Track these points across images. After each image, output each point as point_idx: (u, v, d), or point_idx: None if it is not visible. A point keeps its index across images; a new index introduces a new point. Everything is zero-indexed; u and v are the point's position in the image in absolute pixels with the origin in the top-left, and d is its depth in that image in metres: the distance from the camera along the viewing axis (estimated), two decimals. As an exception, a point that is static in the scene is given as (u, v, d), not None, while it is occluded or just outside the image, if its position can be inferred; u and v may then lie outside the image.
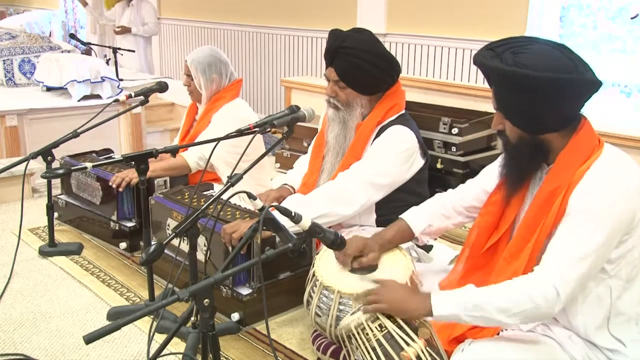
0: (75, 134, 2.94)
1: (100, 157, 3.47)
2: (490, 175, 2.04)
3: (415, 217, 2.17)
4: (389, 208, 2.53)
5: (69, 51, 5.86)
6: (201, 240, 2.50)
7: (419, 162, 2.57)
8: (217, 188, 3.09)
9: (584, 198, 1.66)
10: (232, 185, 2.00)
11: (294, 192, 2.79)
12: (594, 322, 1.74)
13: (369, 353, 1.82)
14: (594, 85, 1.66)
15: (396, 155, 2.49)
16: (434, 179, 3.08)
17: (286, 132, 2.26)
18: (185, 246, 2.33)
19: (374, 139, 2.55)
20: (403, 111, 2.61)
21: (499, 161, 2.01)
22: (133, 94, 3.06)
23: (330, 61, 2.54)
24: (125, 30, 6.91)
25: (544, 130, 1.73)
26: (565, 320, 1.79)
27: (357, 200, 2.45)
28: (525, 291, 1.65)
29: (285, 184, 2.83)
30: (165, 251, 2.01)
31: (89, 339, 1.35)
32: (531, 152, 1.76)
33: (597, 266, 1.67)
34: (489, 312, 1.67)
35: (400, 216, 2.20)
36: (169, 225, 2.77)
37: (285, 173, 3.01)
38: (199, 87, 3.25)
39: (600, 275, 1.70)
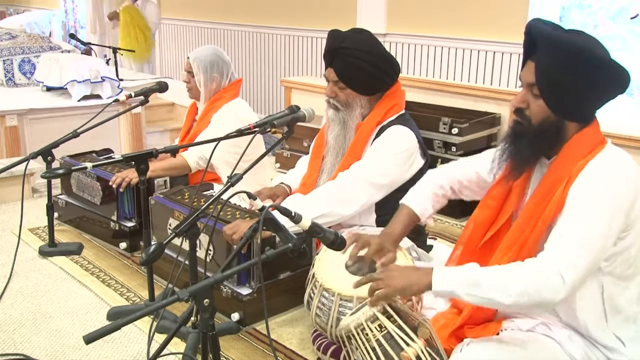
0: (75, 134, 2.94)
1: (100, 157, 3.47)
2: (487, 160, 2.02)
3: (419, 203, 2.16)
4: (389, 208, 2.52)
5: (69, 51, 5.86)
6: (204, 240, 2.51)
7: (419, 162, 2.57)
8: (217, 188, 3.09)
9: (585, 188, 1.66)
10: (232, 185, 2.00)
11: (290, 191, 2.80)
12: (591, 318, 1.74)
13: (368, 353, 1.82)
14: (629, 82, 1.69)
15: (396, 155, 2.49)
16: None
17: (286, 132, 2.27)
18: (186, 245, 2.33)
19: (374, 139, 2.55)
20: (403, 111, 2.61)
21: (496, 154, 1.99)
22: (133, 94, 3.06)
23: (330, 62, 2.54)
24: (115, 15, 6.99)
25: (573, 116, 1.72)
26: (567, 315, 1.78)
27: (357, 200, 2.45)
28: (529, 275, 1.63)
29: (282, 183, 2.84)
30: (166, 251, 2.01)
31: (89, 339, 1.35)
32: (552, 137, 1.74)
33: (600, 256, 1.65)
34: (487, 289, 1.64)
35: (402, 202, 2.19)
36: (170, 225, 2.77)
37: (285, 173, 3.01)
38: (198, 84, 3.25)
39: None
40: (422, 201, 2.16)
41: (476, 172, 2.08)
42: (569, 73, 1.66)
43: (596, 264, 1.67)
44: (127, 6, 7.00)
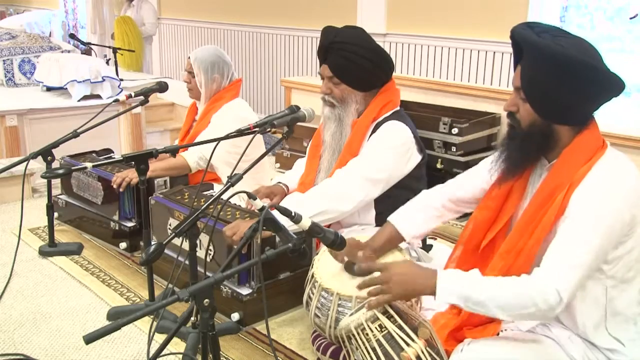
0: (75, 134, 2.94)
1: (100, 157, 3.47)
2: (484, 170, 2.02)
3: (405, 221, 2.12)
4: (388, 205, 2.53)
5: (69, 51, 5.86)
6: (205, 240, 2.51)
7: (416, 157, 2.57)
8: (217, 188, 3.09)
9: (584, 199, 1.66)
10: (232, 185, 2.00)
11: (287, 190, 2.80)
12: (591, 321, 1.74)
13: (369, 353, 1.82)
14: (621, 86, 1.67)
15: (392, 149, 2.49)
16: (434, 179, 3.06)
17: (286, 132, 2.27)
18: (186, 245, 2.33)
19: (370, 135, 2.56)
20: (398, 108, 2.62)
21: (493, 157, 2.00)
22: (133, 94, 3.06)
23: (324, 58, 2.55)
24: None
25: (561, 120, 1.71)
26: (567, 319, 1.79)
27: (355, 196, 2.46)
28: (528, 294, 1.63)
29: (279, 182, 2.84)
30: (166, 251, 2.01)
31: (89, 339, 1.36)
32: (540, 140, 1.74)
33: (596, 267, 1.67)
34: (490, 308, 1.66)
35: (389, 219, 2.16)
36: (170, 225, 2.77)
37: (285, 173, 3.01)
38: (199, 85, 3.25)
39: (596, 274, 1.70)
40: (408, 221, 2.12)
41: (474, 185, 2.05)
42: (551, 80, 1.66)
43: (590, 275, 1.67)
44: (121, 17, 6.99)
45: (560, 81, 1.65)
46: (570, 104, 1.69)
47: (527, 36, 1.69)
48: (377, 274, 1.89)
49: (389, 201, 2.53)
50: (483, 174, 2.03)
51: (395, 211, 2.19)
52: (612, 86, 1.67)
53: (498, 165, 1.87)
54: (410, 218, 2.13)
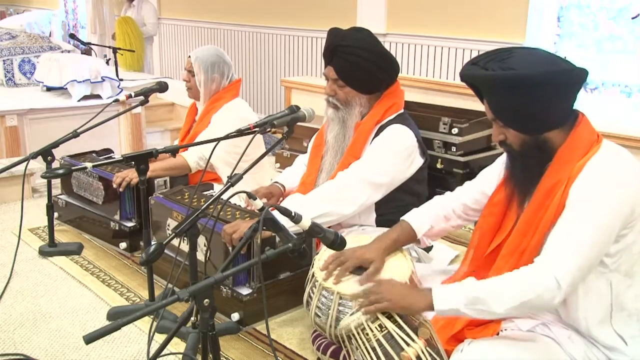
0: (75, 134, 2.94)
1: (100, 157, 3.47)
2: (489, 177, 2.05)
3: (418, 218, 2.16)
4: (389, 207, 2.54)
5: (69, 51, 5.86)
6: (201, 240, 2.51)
7: (419, 161, 2.57)
8: (217, 188, 3.09)
9: (582, 189, 1.68)
10: (232, 185, 2.00)
11: (284, 190, 2.80)
12: (595, 317, 1.75)
13: (369, 353, 1.82)
14: (581, 74, 1.69)
15: (395, 154, 2.49)
16: (434, 179, 3.07)
17: (286, 132, 2.27)
18: (185, 246, 2.33)
19: (373, 138, 2.56)
20: (402, 110, 2.62)
21: (497, 163, 2.02)
22: (133, 94, 3.06)
23: (329, 60, 2.54)
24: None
25: (544, 128, 1.74)
26: (567, 315, 1.79)
27: (356, 199, 2.46)
28: (525, 282, 1.65)
29: (276, 182, 2.84)
30: (165, 251, 2.01)
31: (89, 339, 1.35)
32: (537, 154, 1.77)
33: (597, 257, 1.67)
34: (489, 304, 1.67)
35: (402, 217, 2.19)
36: (169, 225, 2.77)
37: (283, 171, 3.01)
38: (198, 84, 3.25)
39: (600, 269, 1.71)
40: (419, 217, 2.17)
41: (481, 191, 2.08)
42: (519, 102, 1.69)
43: (592, 267, 1.68)
44: (123, 17, 7.00)
45: (529, 100, 1.69)
46: (548, 113, 1.72)
47: (476, 75, 1.75)
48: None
49: (389, 203, 2.53)
50: (486, 182, 2.06)
51: (398, 212, 2.23)
52: (577, 79, 1.70)
53: (506, 180, 1.91)
54: (422, 216, 2.17)
